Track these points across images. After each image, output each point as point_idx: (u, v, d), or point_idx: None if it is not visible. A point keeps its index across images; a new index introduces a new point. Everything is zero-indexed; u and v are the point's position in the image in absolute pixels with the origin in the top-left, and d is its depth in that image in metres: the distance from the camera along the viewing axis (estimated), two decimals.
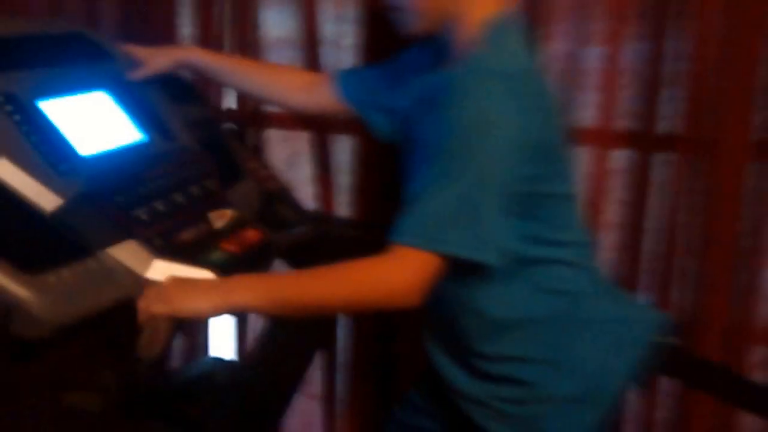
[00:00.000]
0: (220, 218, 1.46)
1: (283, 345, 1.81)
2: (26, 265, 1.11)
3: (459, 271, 1.19)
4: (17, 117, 1.28)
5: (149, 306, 1.17)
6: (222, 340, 2.16)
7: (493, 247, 1.17)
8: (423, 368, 1.50)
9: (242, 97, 1.94)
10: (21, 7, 1.94)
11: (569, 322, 1.30)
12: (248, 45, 1.89)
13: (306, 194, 1.86)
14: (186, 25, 1.88)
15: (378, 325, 1.97)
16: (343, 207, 1.95)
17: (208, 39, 1.89)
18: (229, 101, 1.96)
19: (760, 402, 1.52)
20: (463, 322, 1.33)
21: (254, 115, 1.93)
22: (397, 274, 1.16)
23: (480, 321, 1.31)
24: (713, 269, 1.70)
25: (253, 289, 1.20)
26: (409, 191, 1.19)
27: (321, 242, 1.74)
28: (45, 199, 1.21)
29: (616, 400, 1.35)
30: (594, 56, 1.73)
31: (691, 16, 1.63)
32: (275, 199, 1.67)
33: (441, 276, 1.17)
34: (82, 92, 1.45)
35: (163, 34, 1.86)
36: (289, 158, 1.98)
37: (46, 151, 1.26)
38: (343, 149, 1.93)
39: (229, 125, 1.92)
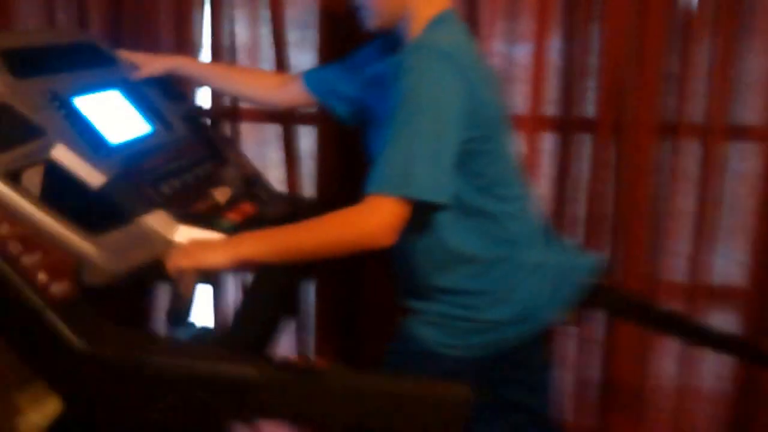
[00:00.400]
0: (222, 194, 1.74)
1: (255, 313, 2.05)
2: (88, 228, 1.37)
3: (417, 216, 1.45)
4: (63, 111, 1.53)
5: (177, 262, 1.44)
6: (201, 310, 2.41)
7: (447, 191, 1.44)
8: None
9: (215, 96, 2.21)
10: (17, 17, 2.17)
11: (512, 265, 1.58)
12: (223, 49, 2.15)
13: (273, 178, 2.13)
14: (169, 30, 2.13)
15: (342, 287, 2.24)
16: (307, 189, 2.23)
17: (187, 44, 2.14)
18: (202, 99, 2.23)
19: (672, 325, 1.85)
20: (421, 259, 1.59)
21: (230, 111, 2.20)
22: (372, 219, 1.41)
23: (435, 259, 1.58)
24: (628, 231, 2.03)
25: (257, 242, 1.46)
26: (375, 154, 1.45)
27: (292, 219, 2.02)
28: (93, 177, 1.46)
29: (544, 327, 1.66)
30: (523, 53, 2.04)
31: (603, 16, 1.95)
32: (251, 182, 1.94)
33: (406, 219, 1.42)
34: (101, 91, 1.70)
35: (146, 41, 2.11)
36: (259, 147, 2.25)
37: (87, 139, 1.52)
38: (306, 138, 2.21)
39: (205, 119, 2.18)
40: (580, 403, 2.20)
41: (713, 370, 2.14)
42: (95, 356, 1.25)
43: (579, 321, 2.07)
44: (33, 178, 1.37)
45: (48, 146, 1.43)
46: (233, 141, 2.19)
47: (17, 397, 1.80)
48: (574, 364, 2.18)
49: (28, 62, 1.57)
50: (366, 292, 2.22)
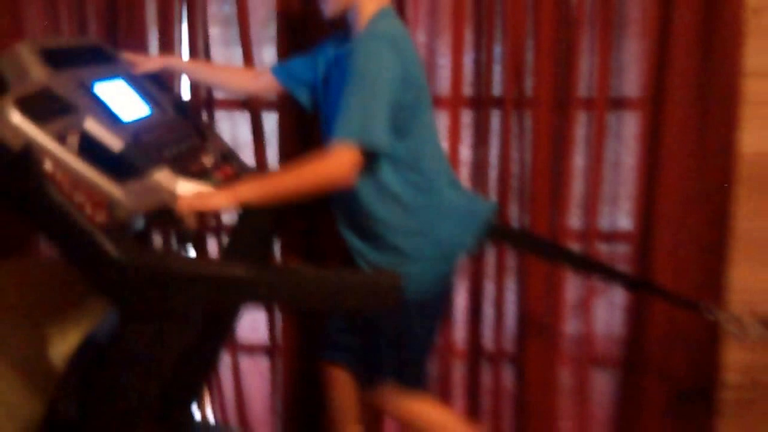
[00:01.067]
0: (208, 160, 2.20)
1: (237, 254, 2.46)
2: (116, 178, 1.83)
3: (366, 161, 1.92)
4: (87, 95, 1.98)
5: (190, 203, 1.90)
6: None
7: (388, 142, 1.91)
8: None
9: (194, 88, 2.66)
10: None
11: (434, 209, 2.07)
12: (199, 45, 2.61)
13: (244, 158, 2.59)
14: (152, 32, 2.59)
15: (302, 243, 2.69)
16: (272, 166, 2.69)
17: (169, 45, 2.59)
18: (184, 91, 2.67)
19: (556, 254, 2.36)
20: (366, 197, 2.05)
21: (206, 100, 2.65)
22: (338, 162, 1.89)
23: (375, 196, 2.05)
24: (533, 187, 2.52)
25: (250, 187, 1.92)
26: (333, 122, 1.92)
27: None
28: (114, 142, 1.91)
29: (459, 259, 2.14)
30: (445, 44, 2.52)
31: (505, 11, 2.43)
32: (228, 156, 2.39)
33: (361, 164, 1.90)
34: (110, 80, 2.15)
35: (136, 42, 2.56)
36: (231, 131, 2.70)
37: (106, 115, 1.97)
38: (269, 122, 2.67)
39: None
40: (498, 332, 2.68)
41: (611, 301, 2.64)
42: (130, 263, 1.71)
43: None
44: (73, 142, 1.82)
45: (81, 120, 1.88)
46: (210, 124, 2.64)
47: (46, 329, 2.25)
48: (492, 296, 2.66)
49: (59, 58, 2.01)
50: (320, 247, 2.67)
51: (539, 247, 2.38)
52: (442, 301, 2.20)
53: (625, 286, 2.50)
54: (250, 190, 1.93)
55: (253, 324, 2.79)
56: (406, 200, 2.05)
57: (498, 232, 2.29)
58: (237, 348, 2.80)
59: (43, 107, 1.84)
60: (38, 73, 1.90)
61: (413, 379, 2.20)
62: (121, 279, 1.73)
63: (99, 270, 1.74)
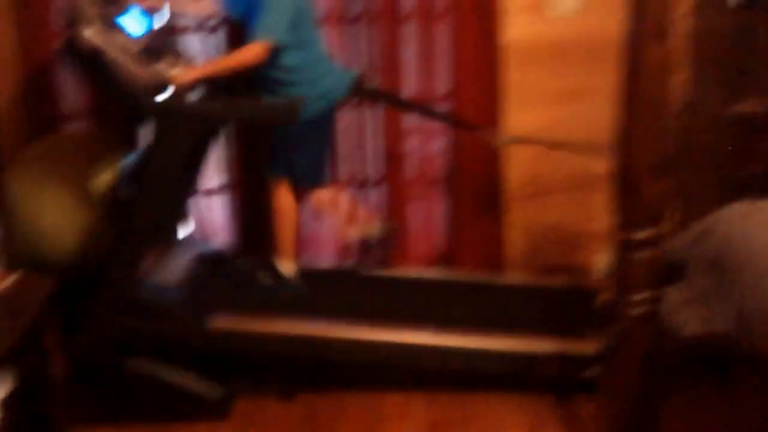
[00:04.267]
0: (183, 58, 3.74)
1: None
2: (140, 65, 3.36)
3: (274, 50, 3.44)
4: (120, 21, 3.49)
5: (176, 77, 3.41)
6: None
7: (285, 38, 3.44)
8: None
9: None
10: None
11: (316, 72, 3.60)
12: None
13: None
14: None
15: None
16: None
17: None
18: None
19: (408, 106, 3.99)
20: (275, 72, 3.52)
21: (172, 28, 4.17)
22: (255, 49, 3.35)
23: (280, 65, 3.52)
24: (384, 65, 4.09)
25: (208, 66, 3.53)
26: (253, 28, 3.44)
27: None
28: (136, 47, 3.43)
29: (334, 104, 3.70)
30: None
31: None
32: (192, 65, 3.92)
33: (270, 49, 3.41)
34: (130, 10, 3.61)
35: None
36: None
37: (130, 33, 3.48)
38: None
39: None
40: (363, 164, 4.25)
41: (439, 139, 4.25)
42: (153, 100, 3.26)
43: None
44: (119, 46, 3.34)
45: (117, 35, 3.38)
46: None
47: (89, 169, 3.68)
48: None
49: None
50: None
51: (388, 100, 3.96)
52: (321, 127, 3.74)
53: (443, 121, 4.06)
54: (205, 69, 3.51)
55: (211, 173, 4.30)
56: (300, 67, 3.59)
57: (360, 90, 3.86)
58: (205, 191, 4.28)
59: (100, 26, 3.28)
60: (93, 7, 3.30)
61: (315, 177, 3.78)
62: (148, 112, 3.27)
63: (136, 108, 3.27)
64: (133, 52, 3.34)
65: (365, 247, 3.96)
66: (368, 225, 3.96)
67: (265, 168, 3.83)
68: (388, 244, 3.99)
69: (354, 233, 3.98)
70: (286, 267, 3.82)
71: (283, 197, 3.77)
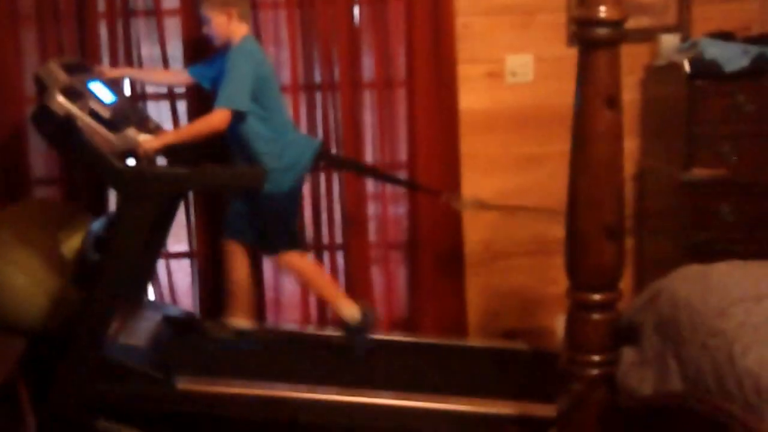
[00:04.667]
0: (151, 124, 3.83)
1: None
2: (109, 131, 3.44)
3: (235, 116, 3.56)
4: (87, 88, 3.57)
5: (144, 145, 3.51)
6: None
7: (247, 105, 3.56)
8: None
9: (132, 85, 4.24)
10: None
11: (281, 142, 3.69)
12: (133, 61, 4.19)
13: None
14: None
15: None
16: None
17: (116, 61, 4.17)
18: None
19: (368, 172, 4.08)
20: (241, 140, 3.68)
21: (141, 94, 4.26)
22: (216, 118, 3.52)
23: (248, 135, 3.66)
24: (345, 134, 4.19)
25: (172, 134, 3.62)
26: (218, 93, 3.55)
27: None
28: (105, 113, 3.50)
29: (302, 174, 3.80)
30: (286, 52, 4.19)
31: (318, 32, 4.13)
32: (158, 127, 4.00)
33: (231, 117, 3.52)
34: (93, 81, 3.73)
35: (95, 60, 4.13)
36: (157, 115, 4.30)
37: (98, 100, 3.56)
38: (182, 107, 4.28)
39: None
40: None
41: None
42: (122, 168, 3.33)
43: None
44: (87, 112, 3.43)
45: (88, 101, 3.47)
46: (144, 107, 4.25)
47: (57, 234, 3.75)
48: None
49: (68, 69, 3.55)
50: None
51: (351, 167, 4.07)
52: (294, 197, 3.85)
53: (405, 186, 4.17)
54: (171, 136, 3.61)
55: (177, 239, 4.38)
56: (264, 137, 3.68)
57: (324, 157, 3.97)
58: (168, 255, 4.37)
59: (70, 94, 3.42)
60: (63, 77, 3.45)
61: (289, 243, 3.85)
62: (117, 177, 3.34)
63: (108, 173, 3.35)
64: (103, 118, 3.44)
65: (345, 329, 3.93)
66: (350, 308, 3.91)
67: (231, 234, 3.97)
68: (367, 330, 3.96)
69: (341, 311, 3.92)
70: (352, 311, 3.85)
71: (301, 262, 3.92)
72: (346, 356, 3.86)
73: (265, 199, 3.70)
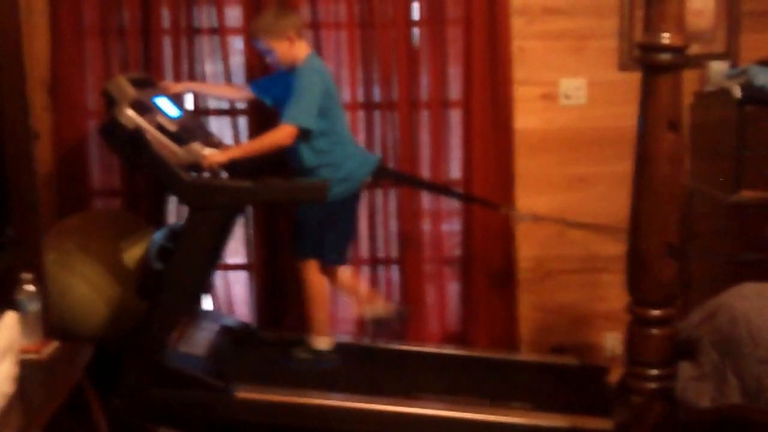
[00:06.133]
0: (214, 138, 3.94)
1: None
2: (177, 142, 3.56)
3: (302, 133, 3.65)
4: (154, 103, 3.69)
5: (208, 159, 3.62)
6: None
7: (314, 123, 3.65)
8: None
9: (195, 100, 4.35)
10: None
11: (340, 154, 3.79)
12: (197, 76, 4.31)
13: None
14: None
15: None
16: None
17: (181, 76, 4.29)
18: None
19: (424, 185, 4.16)
20: (304, 152, 3.74)
21: (204, 109, 4.37)
22: (282, 134, 3.59)
23: (310, 151, 3.74)
24: (403, 150, 4.28)
25: (237, 149, 3.70)
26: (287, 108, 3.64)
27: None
28: (172, 127, 3.62)
29: (355, 187, 3.87)
30: (346, 71, 4.29)
31: (380, 52, 4.24)
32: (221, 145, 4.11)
33: (297, 134, 3.62)
34: (159, 96, 3.84)
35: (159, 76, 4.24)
36: (219, 130, 4.41)
37: (165, 114, 3.67)
38: (243, 123, 4.39)
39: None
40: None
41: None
42: (189, 180, 3.44)
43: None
44: (155, 126, 3.54)
45: (155, 116, 3.59)
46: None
47: (120, 243, 3.86)
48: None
49: (135, 84, 3.68)
50: None
51: (409, 181, 4.16)
52: (350, 208, 3.94)
53: (463, 200, 4.24)
54: (237, 150, 3.70)
55: (234, 252, 4.47)
56: (326, 151, 3.77)
57: (381, 172, 4.06)
58: (225, 267, 4.46)
59: (138, 108, 3.54)
60: (131, 91, 3.57)
61: (312, 252, 3.91)
62: (185, 189, 3.46)
63: (176, 185, 3.46)
64: (169, 132, 3.55)
65: (378, 326, 4.06)
66: (382, 306, 4.09)
67: (292, 249, 4.02)
68: (401, 325, 4.10)
69: (368, 313, 4.10)
70: (322, 342, 3.94)
71: (314, 277, 3.92)
72: (400, 368, 3.95)
73: (305, 204, 3.80)
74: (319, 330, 3.94)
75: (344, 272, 4.07)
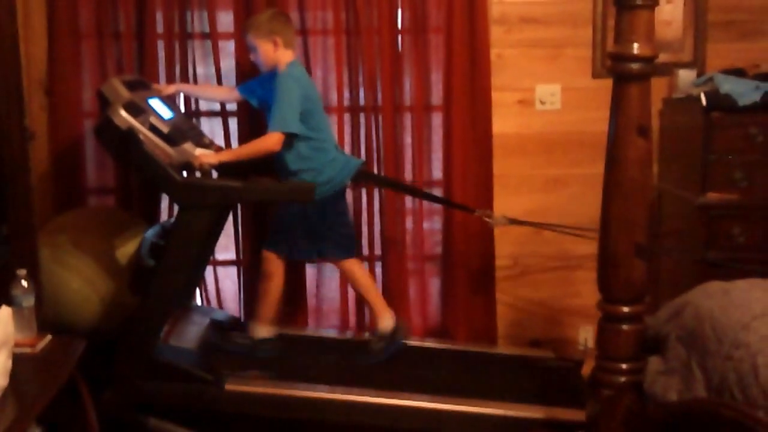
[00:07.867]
0: (206, 139, 4.07)
1: None
2: (168, 144, 3.68)
3: (287, 139, 3.79)
4: (148, 104, 3.81)
5: (203, 159, 3.74)
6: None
7: (298, 128, 3.78)
8: None
9: (186, 102, 4.47)
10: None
11: (324, 161, 3.93)
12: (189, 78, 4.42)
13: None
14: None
15: None
16: None
17: (173, 78, 4.41)
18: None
19: (406, 189, 4.35)
20: (288, 157, 3.87)
21: (195, 111, 4.49)
22: (270, 140, 3.75)
23: (293, 155, 3.88)
24: (386, 154, 4.43)
25: (228, 153, 3.86)
26: (269, 119, 3.79)
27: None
28: (164, 128, 3.74)
29: (335, 190, 3.99)
30: (332, 76, 4.43)
31: (364, 56, 4.38)
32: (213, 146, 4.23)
33: (283, 139, 3.76)
34: (153, 98, 3.96)
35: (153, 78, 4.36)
36: (210, 131, 4.53)
37: (158, 116, 3.78)
38: (233, 124, 4.50)
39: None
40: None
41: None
42: (181, 180, 3.56)
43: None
44: (148, 127, 3.67)
45: (149, 117, 3.70)
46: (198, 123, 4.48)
47: (112, 240, 3.99)
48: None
49: (129, 86, 3.79)
50: None
51: (390, 184, 4.29)
52: (335, 208, 4.06)
53: (440, 203, 4.38)
54: (228, 154, 3.85)
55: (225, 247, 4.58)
56: (307, 156, 3.90)
57: (362, 175, 4.20)
58: (216, 263, 4.56)
59: (132, 109, 3.65)
60: (125, 93, 3.68)
61: (272, 244, 4.07)
62: (177, 188, 3.58)
63: (167, 184, 3.58)
64: (162, 133, 3.67)
65: (378, 338, 4.15)
66: (264, 330, 4.12)
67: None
68: (398, 342, 4.18)
69: (255, 328, 4.14)
70: (263, 331, 4.07)
71: (274, 269, 4.08)
72: (384, 361, 4.08)
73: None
74: (262, 319, 4.07)
75: (358, 268, 4.20)
